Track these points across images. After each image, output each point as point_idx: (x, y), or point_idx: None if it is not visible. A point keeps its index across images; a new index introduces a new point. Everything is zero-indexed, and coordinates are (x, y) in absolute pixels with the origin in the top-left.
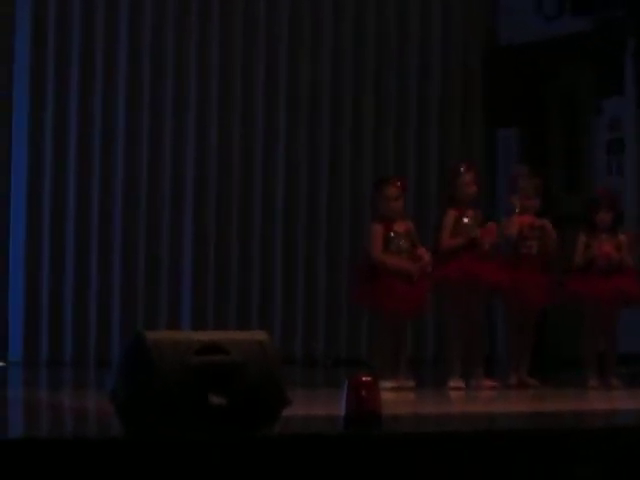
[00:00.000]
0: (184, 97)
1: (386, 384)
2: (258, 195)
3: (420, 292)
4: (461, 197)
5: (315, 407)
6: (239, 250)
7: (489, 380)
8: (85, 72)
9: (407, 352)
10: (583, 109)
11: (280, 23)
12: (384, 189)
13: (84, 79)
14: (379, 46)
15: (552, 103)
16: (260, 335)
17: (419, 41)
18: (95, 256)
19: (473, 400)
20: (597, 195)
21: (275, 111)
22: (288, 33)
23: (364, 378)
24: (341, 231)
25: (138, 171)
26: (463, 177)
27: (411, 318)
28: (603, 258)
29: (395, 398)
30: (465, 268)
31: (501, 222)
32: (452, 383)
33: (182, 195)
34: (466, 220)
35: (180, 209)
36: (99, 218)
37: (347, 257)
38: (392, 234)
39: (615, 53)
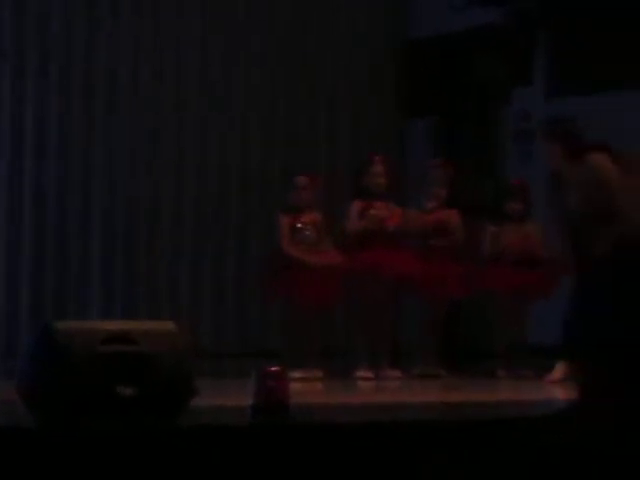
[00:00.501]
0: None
1: (294, 374)
2: (167, 185)
3: (329, 283)
4: (369, 188)
5: (224, 397)
6: (147, 240)
7: (397, 370)
8: None
9: (316, 343)
10: (494, 99)
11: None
12: (294, 180)
13: None
14: (292, 37)
15: (464, 94)
16: (169, 325)
17: (332, 33)
18: (3, 245)
19: (380, 390)
20: (509, 185)
21: (183, 100)
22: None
23: (272, 368)
24: (250, 222)
25: (46, 161)
26: (373, 168)
27: (320, 309)
28: (512, 252)
29: (303, 388)
30: (374, 259)
31: (410, 211)
32: (360, 373)
33: (89, 185)
34: (373, 211)
35: (88, 199)
36: (6, 208)
37: (256, 247)
38: (299, 225)
39: (525, 44)
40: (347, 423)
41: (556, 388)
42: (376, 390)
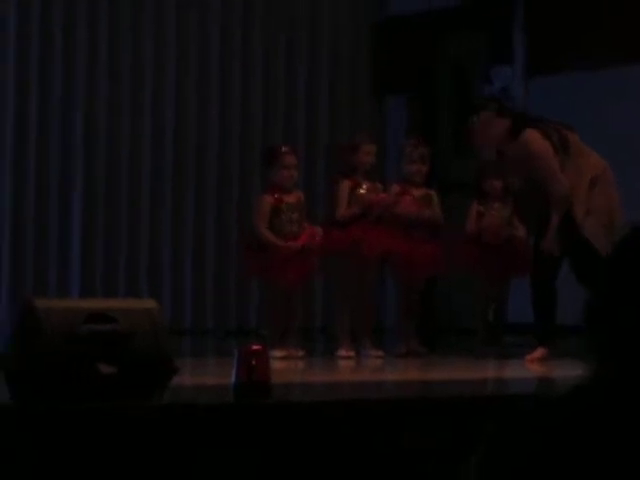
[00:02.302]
0: None
1: (276, 353)
2: (146, 163)
3: (307, 263)
4: (358, 167)
5: (205, 377)
6: (128, 218)
7: (378, 349)
8: None
9: (297, 321)
10: (473, 78)
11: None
12: (282, 157)
13: None
14: (267, 16)
15: (442, 72)
16: (148, 303)
17: (308, 11)
18: None
19: (362, 369)
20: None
21: (163, 79)
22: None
23: (254, 347)
24: (230, 201)
25: (26, 135)
26: (362, 147)
27: (300, 288)
28: (492, 235)
29: (285, 367)
30: (354, 237)
31: (391, 189)
32: (341, 352)
33: (70, 162)
34: (362, 191)
35: (69, 175)
36: None
37: (235, 227)
38: (283, 205)
39: (504, 22)
40: (328, 401)
41: (535, 367)
42: (357, 369)
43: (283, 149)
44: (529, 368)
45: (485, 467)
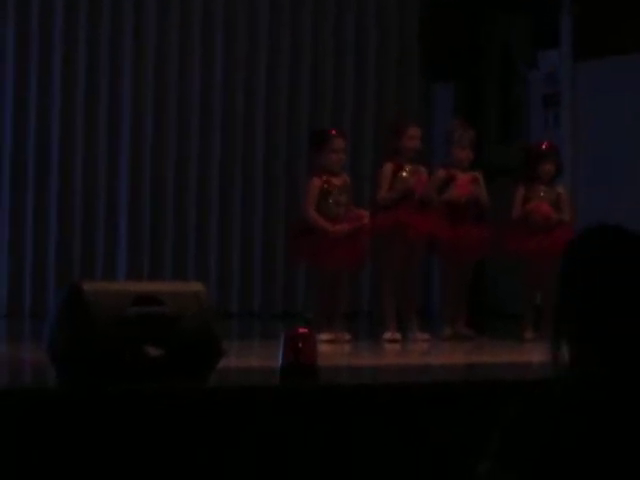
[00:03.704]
0: None
1: (322, 336)
2: (194, 148)
3: (357, 246)
4: (402, 151)
5: (252, 359)
6: (174, 202)
7: (424, 333)
8: None
9: (344, 305)
10: (520, 62)
11: None
12: (331, 141)
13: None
14: (316, 0)
15: (489, 56)
16: (196, 286)
17: None
18: (30, 206)
19: (408, 352)
20: (540, 147)
21: (211, 64)
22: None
23: (301, 330)
24: (277, 185)
25: (73, 122)
26: (407, 131)
27: (348, 272)
28: (542, 218)
29: (331, 350)
30: (400, 220)
31: (435, 174)
32: (387, 335)
33: (117, 147)
34: (405, 174)
35: (115, 161)
36: (33, 169)
37: (283, 210)
38: (331, 188)
39: (552, 5)
40: (374, 384)
41: None
42: (403, 352)
43: (332, 132)
44: None
45: (503, 451)
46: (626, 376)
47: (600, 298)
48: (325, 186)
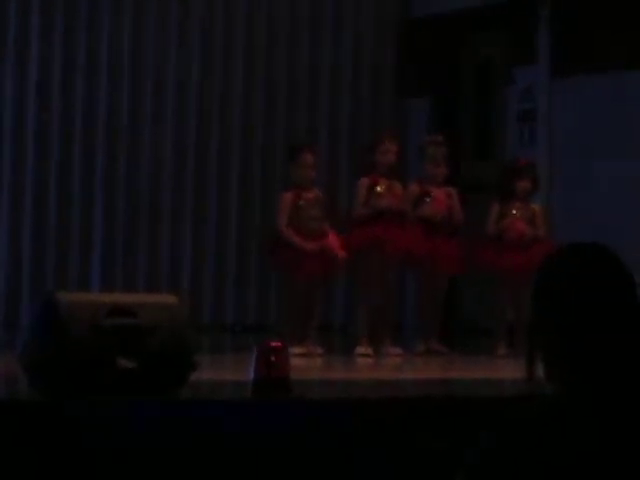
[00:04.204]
0: None
1: (295, 350)
2: (169, 160)
3: (328, 261)
4: (377, 166)
5: (224, 372)
6: (148, 214)
7: (397, 347)
8: None
9: (316, 319)
10: (496, 78)
11: None
12: (300, 156)
13: None
14: (291, 13)
15: (465, 72)
16: (170, 298)
17: (332, 11)
18: (4, 218)
19: (380, 367)
20: (517, 164)
21: (187, 76)
22: None
23: (273, 343)
24: (252, 198)
25: (47, 134)
26: (383, 146)
27: (320, 285)
28: (516, 235)
29: (303, 364)
30: (377, 235)
31: (410, 188)
32: (360, 350)
33: (93, 157)
34: (379, 189)
35: (90, 172)
36: (8, 181)
37: (257, 224)
38: (302, 202)
39: (529, 22)
40: (347, 398)
41: None
42: (376, 366)
43: (301, 148)
44: None
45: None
46: (603, 393)
47: (576, 314)
48: (297, 201)
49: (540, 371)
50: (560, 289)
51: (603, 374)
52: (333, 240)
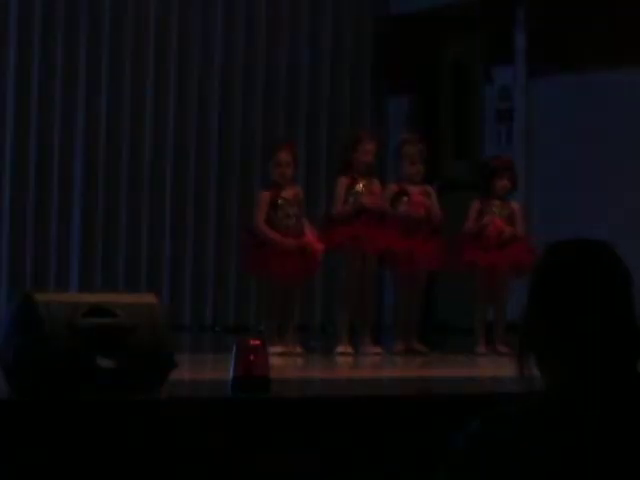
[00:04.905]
0: None
1: (274, 349)
2: (147, 159)
3: (307, 260)
4: (356, 165)
5: (203, 371)
6: (128, 214)
7: (377, 347)
8: None
9: (295, 318)
10: (473, 78)
11: None
12: (276, 154)
13: None
14: (269, 13)
15: (443, 72)
16: (149, 298)
17: (309, 11)
18: None
19: (360, 366)
20: (495, 163)
21: (165, 72)
22: None
23: (253, 342)
24: (229, 197)
25: (26, 133)
26: (362, 146)
27: (299, 284)
28: (495, 233)
29: (283, 363)
30: (356, 234)
31: (388, 188)
32: (340, 349)
33: (71, 156)
34: (359, 188)
35: (69, 171)
36: None
37: (235, 223)
38: (280, 200)
39: (505, 22)
40: (326, 397)
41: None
42: (355, 365)
43: (278, 146)
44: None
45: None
46: (595, 388)
47: (571, 314)
48: (274, 199)
49: (531, 368)
50: (554, 288)
51: (595, 370)
52: (311, 237)
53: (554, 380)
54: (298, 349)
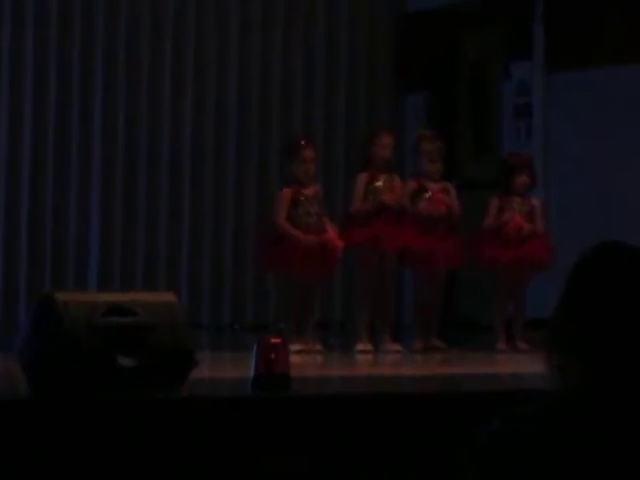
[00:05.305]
0: None
1: (294, 347)
2: (165, 157)
3: (327, 257)
4: (375, 161)
5: (223, 369)
6: (145, 213)
7: (397, 344)
8: None
9: (315, 315)
10: (492, 74)
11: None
12: (300, 152)
13: None
14: (286, 11)
15: (461, 68)
16: (168, 296)
17: (327, 7)
18: (1, 215)
19: (380, 363)
20: (515, 159)
21: (183, 72)
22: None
23: (273, 340)
24: (247, 196)
25: (45, 131)
26: (379, 141)
27: (318, 282)
28: (514, 229)
29: (302, 361)
30: (376, 232)
31: (407, 184)
32: (359, 346)
33: (89, 155)
34: (378, 184)
35: (86, 171)
36: (4, 180)
37: (253, 221)
38: (302, 198)
39: (523, 17)
40: (346, 395)
41: None
42: (375, 363)
43: (301, 143)
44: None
45: (486, 461)
46: (618, 395)
47: (606, 317)
48: (296, 196)
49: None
50: (592, 292)
51: (621, 371)
52: (332, 234)
53: (577, 379)
54: (318, 347)
